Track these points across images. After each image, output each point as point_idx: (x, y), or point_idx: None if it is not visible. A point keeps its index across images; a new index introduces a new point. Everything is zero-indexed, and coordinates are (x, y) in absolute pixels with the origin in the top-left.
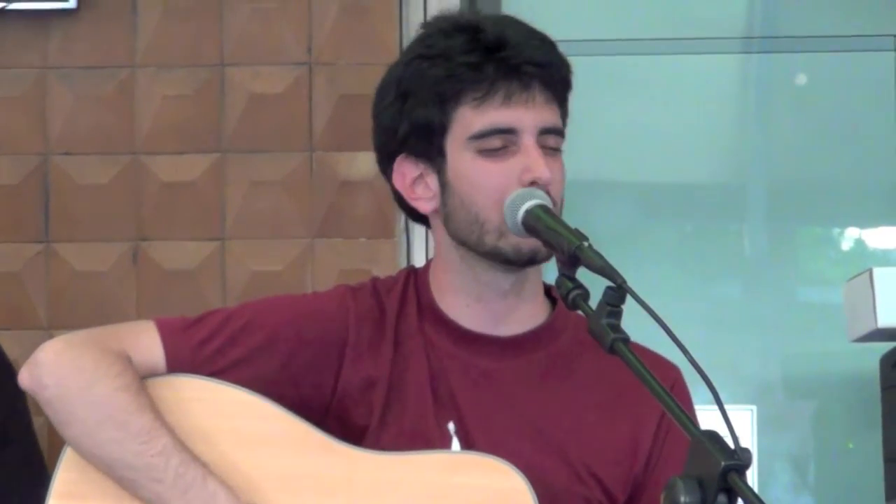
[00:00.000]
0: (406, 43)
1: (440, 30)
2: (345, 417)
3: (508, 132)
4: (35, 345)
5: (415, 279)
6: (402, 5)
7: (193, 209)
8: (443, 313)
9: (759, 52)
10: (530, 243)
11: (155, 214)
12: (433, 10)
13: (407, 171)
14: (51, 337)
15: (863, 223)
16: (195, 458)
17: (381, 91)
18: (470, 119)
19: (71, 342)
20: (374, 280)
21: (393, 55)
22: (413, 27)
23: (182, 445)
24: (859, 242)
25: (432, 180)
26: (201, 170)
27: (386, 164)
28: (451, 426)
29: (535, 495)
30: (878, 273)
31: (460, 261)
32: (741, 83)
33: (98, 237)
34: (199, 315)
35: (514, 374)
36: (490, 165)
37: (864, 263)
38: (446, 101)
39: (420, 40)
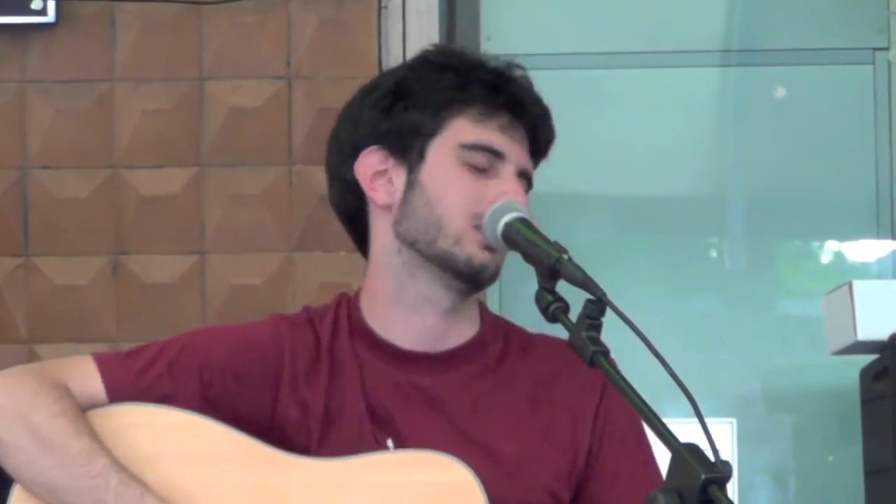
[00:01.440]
0: (385, 57)
1: (451, 51)
2: (285, 443)
3: (497, 156)
4: (15, 358)
5: (347, 302)
6: (381, 20)
7: (173, 223)
8: (374, 333)
9: (737, 66)
10: (483, 258)
11: (134, 228)
12: (412, 25)
13: (372, 163)
14: (31, 351)
15: (842, 236)
16: (133, 477)
17: (370, 87)
18: (466, 129)
19: (7, 375)
20: (307, 308)
21: (372, 69)
22: (392, 41)
23: (120, 465)
24: (838, 255)
25: (398, 178)
26: (180, 183)
27: (346, 155)
28: (389, 443)
29: (482, 486)
30: (858, 286)
31: (402, 267)
32: (720, 96)
33: (78, 251)
34: (133, 348)
35: (447, 388)
36: (471, 177)
37: (843, 276)
38: (445, 108)
39: (429, 53)
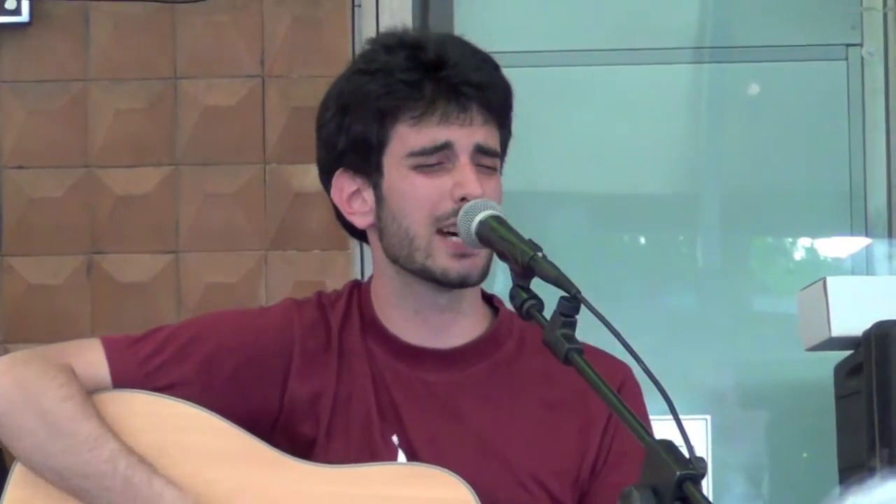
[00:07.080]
0: None
1: (382, 45)
2: (292, 431)
3: (445, 149)
4: None
5: (358, 293)
6: (355, 18)
7: (147, 222)
8: (384, 327)
9: (711, 62)
10: (458, 268)
11: (109, 227)
12: (385, 23)
13: (345, 186)
14: (5, 350)
15: (815, 232)
16: (141, 461)
17: (323, 105)
18: (407, 136)
19: (14, 359)
20: (319, 294)
21: (345, 68)
22: (365, 39)
23: (128, 449)
24: (812, 252)
25: (369, 195)
26: (155, 183)
27: (325, 178)
28: (394, 439)
29: None
30: (832, 282)
31: (396, 275)
32: (694, 93)
33: (52, 251)
34: (144, 332)
35: (456, 386)
36: (424, 180)
37: (817, 273)
38: (385, 118)
39: (362, 55)
